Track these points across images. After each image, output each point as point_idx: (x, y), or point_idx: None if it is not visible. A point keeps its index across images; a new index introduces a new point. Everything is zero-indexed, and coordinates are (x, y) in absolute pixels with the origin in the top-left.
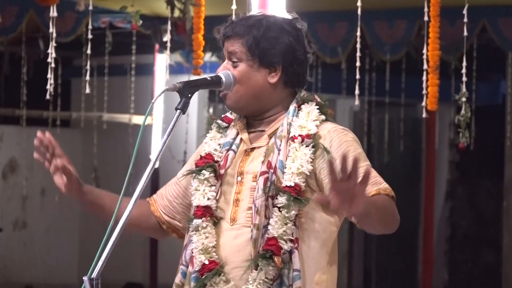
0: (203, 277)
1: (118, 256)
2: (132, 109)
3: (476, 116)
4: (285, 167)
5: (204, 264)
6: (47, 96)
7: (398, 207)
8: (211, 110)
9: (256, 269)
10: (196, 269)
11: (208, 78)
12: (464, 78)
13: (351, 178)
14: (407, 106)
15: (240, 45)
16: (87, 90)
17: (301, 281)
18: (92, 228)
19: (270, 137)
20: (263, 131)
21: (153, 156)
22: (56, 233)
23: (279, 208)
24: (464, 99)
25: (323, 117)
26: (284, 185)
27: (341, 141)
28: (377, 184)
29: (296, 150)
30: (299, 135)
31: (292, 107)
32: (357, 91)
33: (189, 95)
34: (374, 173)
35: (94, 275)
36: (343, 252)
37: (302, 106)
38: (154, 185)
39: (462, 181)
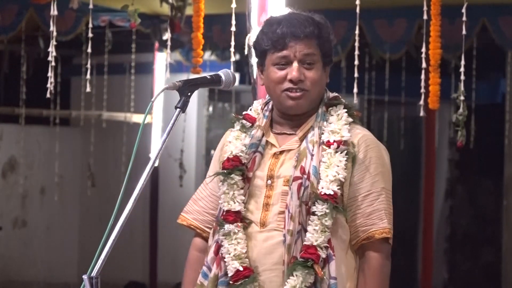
0: (237, 283)
1: (118, 255)
2: (131, 107)
3: (475, 115)
4: (320, 174)
5: (238, 270)
6: (48, 95)
7: (398, 206)
8: (210, 109)
9: (292, 275)
10: (229, 275)
11: (208, 77)
12: (463, 77)
13: None
14: (407, 104)
15: (316, 47)
16: (88, 89)
17: None
18: (91, 226)
19: (301, 140)
20: (292, 134)
21: (152, 154)
22: (56, 231)
23: (318, 216)
24: (462, 97)
25: (350, 119)
26: (323, 193)
27: (366, 156)
28: (376, 222)
29: (331, 156)
30: (334, 141)
31: (320, 109)
32: (355, 90)
33: (189, 94)
34: (381, 204)
35: (93, 273)
36: None
37: (330, 109)
38: (154, 184)
39: (461, 180)
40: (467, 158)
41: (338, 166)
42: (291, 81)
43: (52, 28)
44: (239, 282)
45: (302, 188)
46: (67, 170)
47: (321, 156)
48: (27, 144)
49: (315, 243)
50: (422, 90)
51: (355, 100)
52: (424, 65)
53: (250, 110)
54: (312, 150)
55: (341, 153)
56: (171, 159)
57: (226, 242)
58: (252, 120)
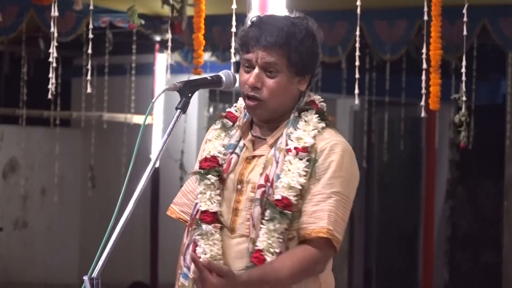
0: None
1: (119, 256)
2: (132, 108)
3: (476, 116)
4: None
5: None
6: (49, 96)
7: (399, 207)
8: (211, 110)
9: None
10: None
11: (209, 78)
12: (464, 78)
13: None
14: (407, 105)
15: (281, 57)
16: (88, 90)
17: None
18: (92, 227)
19: (271, 146)
20: (265, 139)
21: (153, 155)
22: (57, 232)
23: (266, 220)
24: (464, 98)
25: (322, 124)
26: (274, 199)
27: (326, 160)
28: (317, 221)
29: (290, 163)
30: (295, 148)
31: (292, 115)
32: (357, 91)
33: (189, 95)
34: (328, 206)
35: (94, 274)
36: (343, 251)
37: (302, 115)
38: (154, 184)
39: (462, 181)
40: (467, 159)
41: (294, 173)
42: (248, 86)
43: (53, 29)
44: None
45: (265, 196)
46: (68, 171)
47: (283, 163)
48: (28, 145)
49: (261, 247)
50: (423, 91)
51: (357, 101)
52: (424, 66)
53: (235, 107)
54: (278, 157)
55: (300, 159)
56: (172, 160)
57: (203, 243)
58: (234, 119)
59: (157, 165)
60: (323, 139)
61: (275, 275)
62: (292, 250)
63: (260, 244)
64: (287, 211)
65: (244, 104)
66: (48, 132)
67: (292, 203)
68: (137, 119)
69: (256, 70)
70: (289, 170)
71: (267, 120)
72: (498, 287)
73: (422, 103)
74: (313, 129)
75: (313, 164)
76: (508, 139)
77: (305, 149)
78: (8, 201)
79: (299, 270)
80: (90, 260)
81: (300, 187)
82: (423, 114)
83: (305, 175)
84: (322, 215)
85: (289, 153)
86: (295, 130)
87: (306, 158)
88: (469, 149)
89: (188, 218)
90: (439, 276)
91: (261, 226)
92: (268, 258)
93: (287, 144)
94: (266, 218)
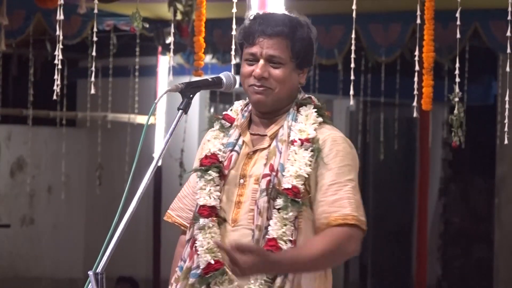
0: (207, 276)
1: (122, 252)
2: (136, 109)
3: (468, 116)
4: (285, 170)
5: (209, 263)
6: (54, 97)
7: (393, 204)
8: (212, 110)
9: None
10: (201, 267)
11: (209, 79)
12: (458, 79)
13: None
14: (401, 106)
15: (285, 48)
16: (92, 91)
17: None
18: (97, 224)
19: (271, 139)
20: (265, 135)
21: (156, 154)
22: (62, 229)
23: (278, 209)
24: (457, 99)
25: (320, 119)
26: (283, 188)
27: (332, 149)
28: (340, 209)
29: (296, 153)
30: (299, 139)
31: (291, 110)
32: (352, 92)
33: (191, 96)
34: (346, 193)
35: (99, 269)
36: None
37: (301, 109)
38: (157, 183)
39: (455, 179)
40: (460, 158)
41: (301, 162)
42: (254, 77)
43: (59, 32)
44: (209, 275)
45: (271, 184)
46: (74, 169)
47: (288, 154)
48: (35, 145)
49: (275, 236)
50: (416, 92)
51: (352, 101)
52: (417, 67)
53: (231, 110)
54: (281, 148)
55: (305, 149)
56: (172, 159)
57: (201, 236)
58: (231, 120)
59: (159, 164)
60: (323, 133)
61: (306, 254)
62: (321, 233)
63: (274, 233)
64: (297, 199)
65: (240, 107)
66: (54, 131)
67: (300, 191)
68: (141, 119)
69: (262, 61)
70: (295, 160)
71: (268, 112)
72: (489, 281)
73: (415, 103)
74: (313, 123)
75: (317, 153)
76: (499, 139)
77: (308, 140)
78: (15, 199)
79: (331, 248)
80: (94, 256)
81: (306, 176)
82: (415, 115)
83: (310, 165)
84: (343, 203)
85: (294, 143)
86: (296, 122)
87: (310, 148)
88: (461, 148)
89: (183, 222)
90: (432, 271)
91: (273, 215)
92: (283, 246)
93: (289, 136)
94: (277, 207)
